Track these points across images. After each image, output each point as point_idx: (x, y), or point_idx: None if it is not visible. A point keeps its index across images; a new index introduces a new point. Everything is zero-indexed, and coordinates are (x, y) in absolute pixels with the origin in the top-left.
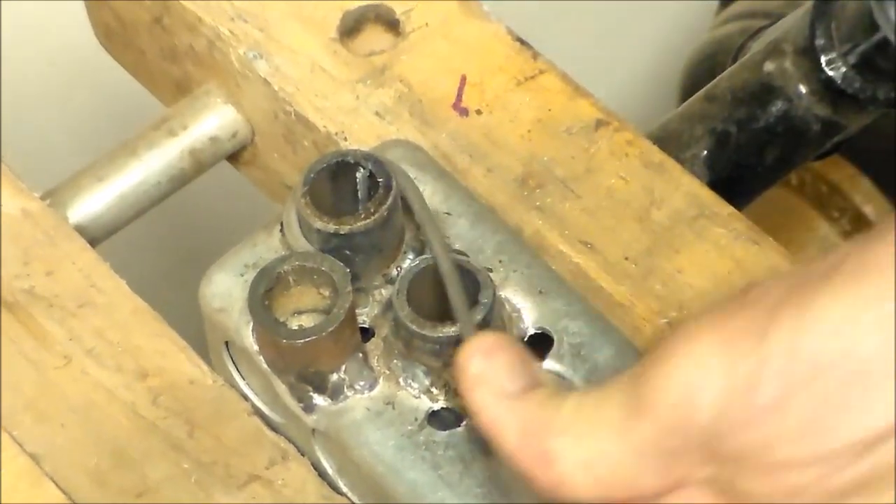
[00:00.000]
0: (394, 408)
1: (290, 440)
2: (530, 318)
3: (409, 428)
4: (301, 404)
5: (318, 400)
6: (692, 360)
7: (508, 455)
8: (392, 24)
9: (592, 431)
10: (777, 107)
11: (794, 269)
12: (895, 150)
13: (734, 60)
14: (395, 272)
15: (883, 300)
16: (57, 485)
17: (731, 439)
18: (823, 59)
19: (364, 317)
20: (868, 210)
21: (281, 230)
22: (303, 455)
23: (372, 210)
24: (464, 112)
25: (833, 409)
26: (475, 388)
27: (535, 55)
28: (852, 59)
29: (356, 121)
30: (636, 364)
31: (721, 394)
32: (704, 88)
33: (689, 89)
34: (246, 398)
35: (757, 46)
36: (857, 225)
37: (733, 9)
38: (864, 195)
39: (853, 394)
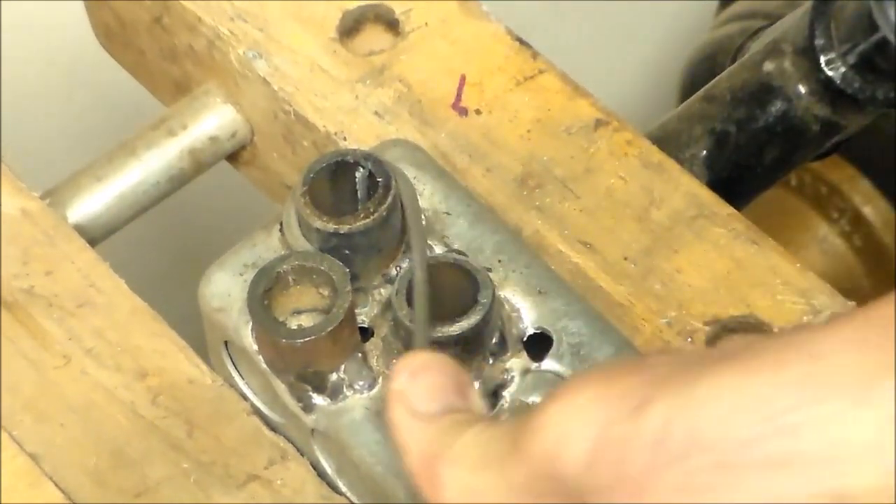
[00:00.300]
0: None
1: (289, 440)
2: (529, 318)
3: None
4: (300, 404)
5: (318, 400)
6: (570, 410)
7: (409, 473)
8: (391, 24)
9: (479, 465)
10: (776, 107)
11: (698, 347)
12: (894, 151)
13: (733, 61)
14: (394, 272)
15: (767, 399)
16: (56, 485)
17: (598, 497)
18: (823, 59)
19: (363, 316)
20: (867, 211)
21: (280, 230)
22: (302, 455)
23: (371, 210)
24: (463, 112)
25: (700, 490)
26: (393, 404)
27: (535, 55)
28: (852, 59)
29: (355, 120)
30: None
31: (589, 451)
32: (703, 88)
33: (688, 90)
34: (245, 398)
35: (756, 46)
36: (857, 226)
37: (733, 9)
38: (864, 196)
39: (722, 479)
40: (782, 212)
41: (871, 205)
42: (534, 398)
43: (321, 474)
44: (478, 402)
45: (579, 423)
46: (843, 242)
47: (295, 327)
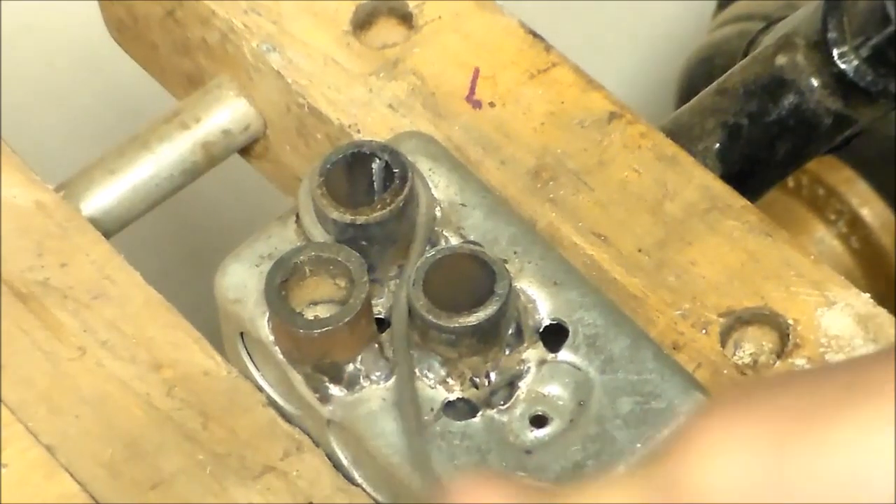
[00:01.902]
0: None
1: (304, 431)
2: (545, 309)
3: (425, 418)
4: (316, 395)
5: (334, 390)
6: (714, 452)
7: None
8: (405, 18)
9: None
10: (789, 100)
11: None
12: (893, 153)
13: (745, 55)
14: None
15: (886, 427)
16: (72, 476)
17: None
18: (835, 53)
19: (379, 307)
20: (865, 213)
21: (296, 221)
22: (318, 446)
23: (388, 201)
24: (477, 105)
25: None
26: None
27: (548, 48)
28: (864, 52)
29: (369, 113)
30: None
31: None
32: (716, 81)
33: (686, 92)
34: (260, 389)
35: (768, 40)
36: (854, 228)
37: (731, 11)
38: (862, 198)
39: None
40: (780, 214)
41: (868, 207)
42: (550, 388)
43: (337, 465)
44: None
45: (725, 465)
46: (840, 244)
47: (312, 318)
